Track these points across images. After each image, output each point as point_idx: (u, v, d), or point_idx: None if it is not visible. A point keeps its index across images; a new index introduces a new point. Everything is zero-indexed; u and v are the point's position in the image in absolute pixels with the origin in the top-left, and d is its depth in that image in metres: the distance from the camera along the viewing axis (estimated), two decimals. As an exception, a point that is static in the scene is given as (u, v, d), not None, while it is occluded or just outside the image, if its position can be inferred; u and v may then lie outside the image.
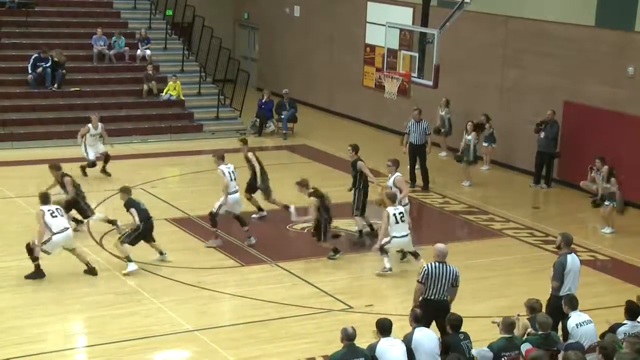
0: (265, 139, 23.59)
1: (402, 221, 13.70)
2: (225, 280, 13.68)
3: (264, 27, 29.66)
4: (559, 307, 10.29)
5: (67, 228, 13.31)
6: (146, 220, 13.80)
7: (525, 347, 9.27)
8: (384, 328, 9.28)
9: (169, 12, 27.54)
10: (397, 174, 14.77)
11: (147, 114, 23.51)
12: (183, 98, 24.19)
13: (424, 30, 19.25)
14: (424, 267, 10.68)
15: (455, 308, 10.49)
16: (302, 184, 14.50)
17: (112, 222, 15.13)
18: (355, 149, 15.58)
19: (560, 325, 10.32)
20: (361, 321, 11.44)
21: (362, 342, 9.26)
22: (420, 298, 10.54)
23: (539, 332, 9.50)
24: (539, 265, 14.29)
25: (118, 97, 23.80)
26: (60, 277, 13.37)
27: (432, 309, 10.30)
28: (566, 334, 9.96)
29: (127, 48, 24.84)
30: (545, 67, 20.03)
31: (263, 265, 14.23)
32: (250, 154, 16.31)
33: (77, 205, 15.01)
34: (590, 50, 19.11)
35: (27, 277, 13.18)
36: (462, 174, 19.73)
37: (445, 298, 10.57)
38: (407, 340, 9.36)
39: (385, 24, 20.20)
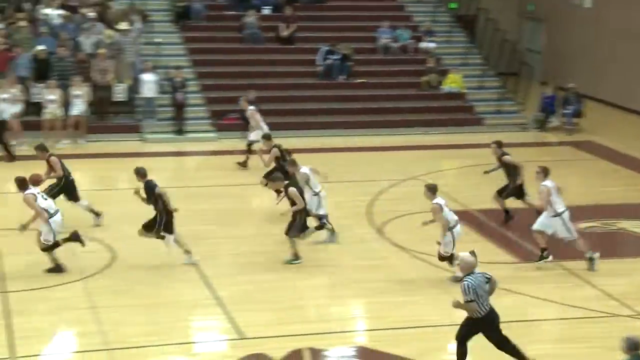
0: (548, 134, 22.91)
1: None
2: (502, 275, 13.31)
3: (551, 19, 28.71)
4: None
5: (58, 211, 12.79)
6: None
7: None
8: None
9: (453, 5, 27.54)
10: (544, 183, 13.48)
11: (427, 105, 23.67)
12: (464, 91, 24.07)
13: None
14: (466, 283, 9.79)
15: None
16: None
17: (96, 213, 14.66)
18: (499, 144, 15.75)
19: None
20: (649, 330, 10.72)
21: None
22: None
23: None
24: None
25: (402, 89, 24.15)
26: (347, 263, 13.82)
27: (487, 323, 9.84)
28: None
29: (412, 41, 25.12)
30: None
31: (539, 263, 13.71)
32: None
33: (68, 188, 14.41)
34: None
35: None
36: None
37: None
38: None
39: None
